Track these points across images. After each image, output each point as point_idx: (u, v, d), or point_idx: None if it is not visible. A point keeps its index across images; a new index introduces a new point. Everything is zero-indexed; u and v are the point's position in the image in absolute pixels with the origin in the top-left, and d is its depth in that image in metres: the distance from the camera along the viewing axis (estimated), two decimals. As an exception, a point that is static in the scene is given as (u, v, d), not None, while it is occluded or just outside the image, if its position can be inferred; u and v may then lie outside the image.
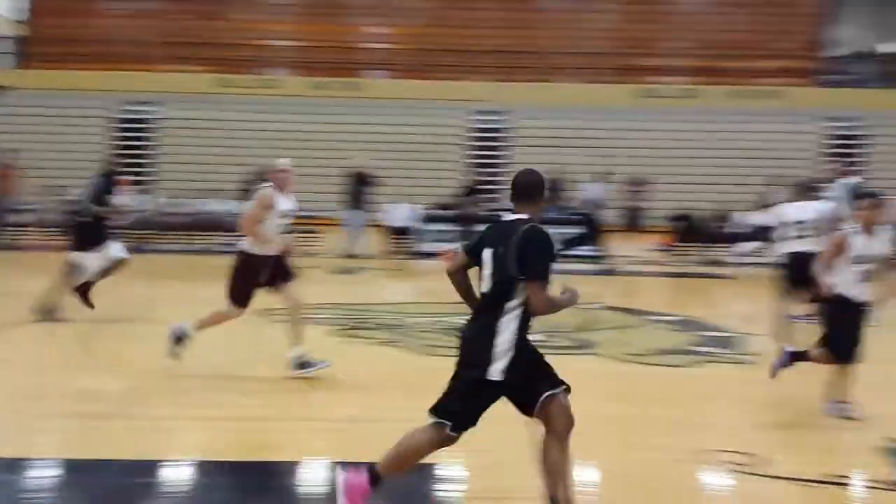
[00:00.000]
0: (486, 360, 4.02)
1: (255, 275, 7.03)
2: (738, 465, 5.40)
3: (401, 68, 27.36)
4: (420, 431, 4.17)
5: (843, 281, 6.38)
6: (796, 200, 9.14)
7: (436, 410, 4.14)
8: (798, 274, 8.79)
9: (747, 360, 8.47)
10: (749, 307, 12.82)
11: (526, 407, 4.19)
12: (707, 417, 6.62)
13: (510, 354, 4.04)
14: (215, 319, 7.19)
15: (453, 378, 4.19)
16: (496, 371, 4.02)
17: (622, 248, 17.80)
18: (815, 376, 8.41)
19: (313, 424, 6.23)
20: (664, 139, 24.68)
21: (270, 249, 7.05)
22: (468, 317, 4.30)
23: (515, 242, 4.00)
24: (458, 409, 4.12)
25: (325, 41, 27.16)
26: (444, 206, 17.71)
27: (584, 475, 5.34)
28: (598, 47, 27.45)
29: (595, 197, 15.53)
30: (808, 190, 9.38)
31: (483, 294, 4.17)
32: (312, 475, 5.23)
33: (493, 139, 25.42)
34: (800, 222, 8.87)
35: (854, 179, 10.19)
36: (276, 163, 7.33)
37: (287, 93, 25.69)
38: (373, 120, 24.66)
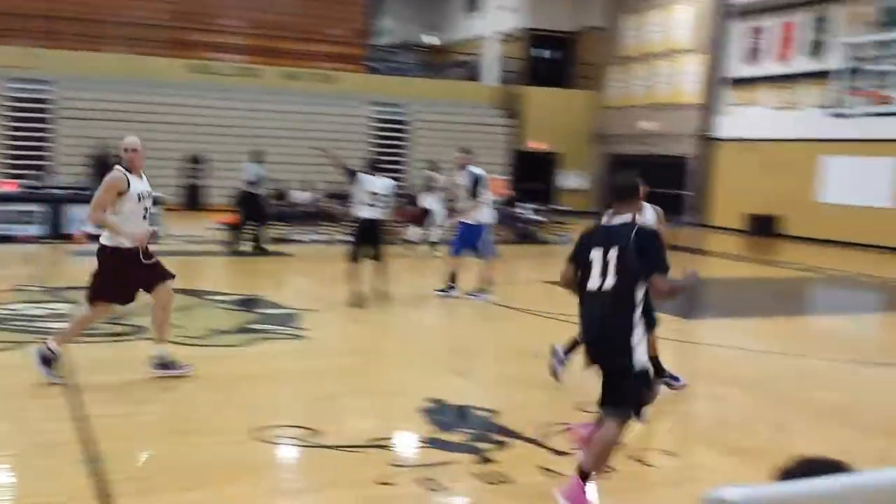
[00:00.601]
0: (629, 352, 4.41)
1: (122, 270, 6.40)
2: (292, 438, 5.52)
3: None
4: (610, 428, 4.47)
5: None
6: (369, 174, 10.44)
7: (620, 408, 4.47)
8: (367, 236, 10.27)
9: (302, 335, 8.71)
10: (308, 283, 13.27)
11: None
12: (261, 395, 6.64)
13: (644, 343, 4.51)
14: (79, 327, 6.70)
15: (614, 376, 4.50)
16: (640, 361, 4.45)
17: (181, 227, 17.39)
18: (357, 346, 8.93)
19: None
20: (222, 116, 24.47)
21: (131, 240, 6.31)
22: (590, 310, 4.56)
23: (635, 243, 4.43)
24: (637, 397, 4.52)
25: None
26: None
27: (145, 466, 5.08)
28: (149, 18, 26.33)
29: (252, 176, 14.96)
30: (375, 167, 10.88)
31: (603, 292, 4.47)
32: None
33: (35, 110, 23.21)
34: (374, 193, 10.23)
35: (477, 169, 11.21)
36: (123, 141, 6.52)
37: None
38: None
